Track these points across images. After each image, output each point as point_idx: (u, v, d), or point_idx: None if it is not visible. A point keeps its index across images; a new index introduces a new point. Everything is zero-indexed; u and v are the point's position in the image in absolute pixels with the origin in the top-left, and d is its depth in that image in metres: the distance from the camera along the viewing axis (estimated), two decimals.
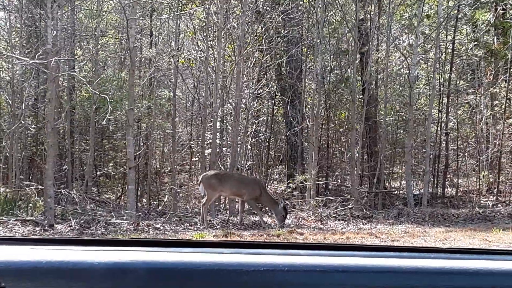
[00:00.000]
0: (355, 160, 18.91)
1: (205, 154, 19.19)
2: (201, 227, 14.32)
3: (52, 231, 13.24)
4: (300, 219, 16.15)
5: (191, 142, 23.73)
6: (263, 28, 19.43)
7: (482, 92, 21.50)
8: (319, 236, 12.65)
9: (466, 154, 22.07)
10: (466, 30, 22.92)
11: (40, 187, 15.83)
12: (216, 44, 18.06)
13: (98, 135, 21.43)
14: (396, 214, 16.83)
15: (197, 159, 22.43)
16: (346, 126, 21.20)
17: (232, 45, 18.86)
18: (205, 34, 18.92)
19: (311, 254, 1.97)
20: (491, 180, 21.11)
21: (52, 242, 2.28)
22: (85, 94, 20.77)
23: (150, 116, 20.44)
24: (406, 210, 17.33)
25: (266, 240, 11.49)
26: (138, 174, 20.53)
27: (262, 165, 23.21)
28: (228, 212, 17.31)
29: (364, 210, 17.16)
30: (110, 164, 22.89)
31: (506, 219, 16.48)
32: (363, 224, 15.49)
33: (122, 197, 20.07)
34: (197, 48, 20.02)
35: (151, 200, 20.46)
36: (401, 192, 21.06)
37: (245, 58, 18.36)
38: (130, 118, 15.38)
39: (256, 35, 19.34)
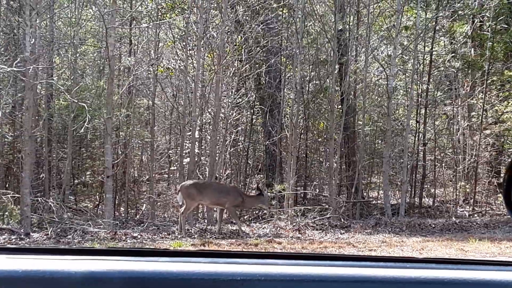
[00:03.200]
0: (334, 170, 18.95)
1: (184, 163, 19.14)
2: (179, 236, 14.26)
3: (28, 239, 13.13)
4: (278, 228, 16.15)
5: (170, 151, 23.68)
6: (243, 38, 19.46)
7: (459, 103, 21.67)
8: (297, 246, 12.66)
9: (443, 164, 22.21)
10: (444, 41, 23.14)
11: (17, 195, 15.71)
12: (196, 53, 18.05)
13: (76, 143, 21.32)
14: (373, 224, 16.89)
15: (175, 168, 22.37)
16: (325, 136, 21.27)
17: (212, 55, 18.87)
18: (184, 43, 18.89)
19: (288, 264, 1.97)
20: (467, 190, 21.26)
21: (28, 251, 2.23)
22: (63, 102, 20.65)
23: (129, 125, 20.37)
24: (384, 219, 17.43)
25: (243, 250, 11.47)
26: (116, 183, 20.42)
27: (241, 174, 23.19)
28: (206, 221, 17.27)
29: (342, 220, 17.21)
30: (88, 173, 22.75)
31: (482, 229, 16.59)
32: (341, 233, 15.51)
33: (100, 206, 19.94)
34: (176, 57, 19.99)
35: (129, 209, 20.34)
36: (379, 202, 21.14)
37: (224, 67, 18.38)
38: (108, 126, 15.31)
39: (235, 45, 19.36)
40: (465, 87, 21.81)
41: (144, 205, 20.38)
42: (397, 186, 21.42)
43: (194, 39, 18.80)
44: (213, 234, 14.78)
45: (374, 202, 21.49)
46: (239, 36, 19.71)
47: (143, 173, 22.81)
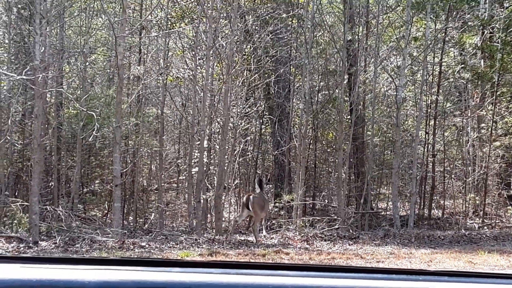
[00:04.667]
0: (342, 181, 18.91)
1: (192, 173, 19.15)
2: (256, 245, 14.65)
3: (36, 248, 13.15)
4: (287, 238, 16.11)
5: (179, 161, 23.70)
6: (251, 48, 19.48)
7: (469, 115, 21.59)
8: (305, 256, 12.61)
9: (452, 176, 22.11)
10: (454, 52, 23.08)
11: (26, 203, 15.74)
12: (205, 62, 18.09)
13: (85, 152, 21.38)
14: (382, 235, 16.83)
15: (184, 177, 22.38)
16: (334, 146, 21.23)
17: (221, 64, 18.90)
18: (193, 53, 18.92)
19: (299, 275, 1.96)
20: (477, 202, 21.15)
21: (42, 260, 2.24)
22: (72, 111, 20.73)
23: (138, 134, 20.40)
24: (392, 231, 17.35)
25: (255, 261, 11.46)
26: (125, 192, 20.46)
27: (250, 184, 23.16)
28: (214, 231, 17.23)
29: (351, 231, 17.14)
30: (97, 181, 22.81)
31: (492, 241, 16.48)
32: (349, 244, 15.45)
33: (108, 215, 19.97)
34: (185, 67, 20.01)
35: (138, 218, 20.36)
36: (387, 213, 21.06)
37: (233, 77, 18.39)
38: (117, 135, 15.32)
39: (244, 54, 19.38)
40: (474, 98, 21.73)
41: (153, 214, 20.40)
42: (406, 197, 21.31)
43: (203, 49, 18.83)
44: (221, 243, 14.75)
45: (383, 213, 21.40)
46: (248, 46, 19.74)
47: (152, 182, 22.83)
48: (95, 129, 13.96)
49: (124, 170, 18.81)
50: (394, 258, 12.57)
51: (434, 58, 21.08)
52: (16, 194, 19.65)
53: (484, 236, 17.39)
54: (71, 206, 18.19)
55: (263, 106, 23.24)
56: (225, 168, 18.39)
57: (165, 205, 21.23)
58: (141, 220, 20.48)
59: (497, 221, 19.98)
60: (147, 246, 13.92)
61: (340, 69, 19.25)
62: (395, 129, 19.58)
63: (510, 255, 13.14)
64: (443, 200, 21.63)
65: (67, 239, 13.95)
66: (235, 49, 18.21)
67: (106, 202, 21.57)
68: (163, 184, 21.60)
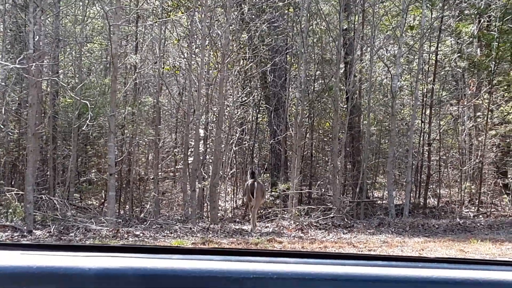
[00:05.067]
0: (338, 170, 18.91)
1: (189, 162, 19.15)
2: (253, 233, 14.67)
3: (30, 236, 13.16)
4: (282, 227, 16.11)
5: (175, 150, 23.70)
6: (247, 36, 19.45)
7: (465, 103, 21.57)
8: (298, 245, 12.62)
9: (448, 164, 22.12)
10: (450, 41, 23.03)
11: (21, 192, 15.74)
12: (200, 51, 18.05)
13: (81, 141, 21.37)
14: (377, 224, 16.82)
15: (181, 166, 22.39)
16: (330, 136, 21.23)
17: (216, 53, 18.88)
18: (189, 42, 18.88)
19: (300, 262, 1.96)
20: (473, 191, 21.18)
21: (42, 247, 2.24)
22: (68, 100, 20.70)
23: (134, 123, 20.40)
24: (387, 220, 17.35)
25: (256, 248, 11.49)
26: (121, 181, 20.49)
27: (246, 174, 23.17)
28: (209, 219, 17.25)
29: (346, 220, 17.13)
30: (93, 171, 22.81)
31: (486, 230, 16.47)
32: (343, 233, 15.44)
33: (105, 204, 19.99)
34: (182, 55, 19.99)
35: (134, 207, 20.39)
36: (383, 202, 21.08)
37: (229, 66, 18.37)
38: (111, 124, 15.30)
39: (240, 43, 19.36)
40: (471, 87, 21.69)
41: (149, 203, 20.42)
42: (402, 186, 21.34)
43: (199, 38, 18.80)
44: (215, 232, 14.76)
45: (379, 202, 21.43)
46: (244, 35, 19.71)
47: (149, 172, 22.85)
48: (89, 118, 13.94)
49: (119, 159, 18.82)
50: (387, 246, 12.58)
51: (430, 47, 21.02)
52: (13, 183, 19.66)
53: (478, 224, 17.39)
54: (67, 195, 18.20)
55: (259, 95, 23.21)
56: (223, 157, 18.41)
57: (161, 194, 21.27)
58: (137, 209, 20.51)
59: (492, 210, 20.02)
60: (141, 235, 13.93)
61: (335, 58, 19.20)
62: (391, 118, 19.55)
63: (503, 243, 13.14)
64: (439, 189, 21.65)
65: (61, 228, 13.95)
66: (230, 37, 18.18)
67: (102, 191, 21.58)
68: (160, 173, 21.63)
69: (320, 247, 12.21)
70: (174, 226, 15.47)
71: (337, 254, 2.59)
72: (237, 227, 15.78)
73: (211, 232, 14.83)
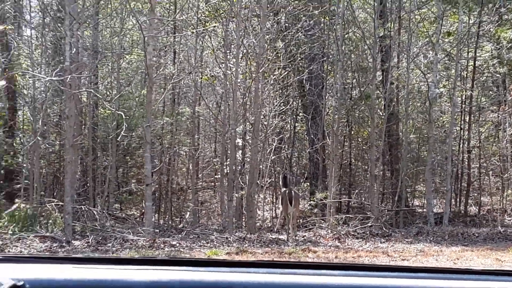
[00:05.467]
0: (376, 178, 18.75)
1: (226, 172, 19.20)
2: (289, 243, 14.66)
3: (68, 247, 13.32)
4: (319, 236, 16.05)
5: (215, 159, 23.77)
6: (282, 45, 19.45)
7: (506, 109, 21.17)
8: (331, 255, 12.56)
9: (490, 172, 21.74)
10: (491, 47, 22.64)
11: (61, 203, 15.95)
12: (235, 61, 18.11)
13: (121, 151, 21.59)
14: (415, 233, 16.61)
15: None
16: (368, 144, 21.06)
17: (250, 62, 18.93)
18: (223, 51, 18.96)
19: (345, 275, 1.99)
20: None
21: (93, 261, 2.36)
22: (108, 112, 20.95)
23: (173, 133, 20.55)
24: (426, 228, 17.10)
25: (301, 261, 11.48)
26: (161, 191, 20.64)
27: (290, 183, 22.94)
28: (247, 229, 17.23)
29: (384, 229, 16.96)
30: (133, 181, 23.02)
31: None
32: (381, 242, 15.30)
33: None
34: (218, 65, 20.08)
35: (174, 217, 20.53)
36: (423, 210, 20.80)
37: (265, 75, 18.39)
38: (147, 135, 15.43)
39: (276, 52, 19.36)
40: (511, 93, 21.30)
41: (188, 213, 20.52)
42: (442, 194, 21.02)
43: (233, 47, 18.87)
44: (251, 242, 14.74)
45: (419, 210, 21.16)
46: (280, 43, 19.71)
47: (188, 182, 22.95)
48: (124, 129, 14.06)
49: (156, 169, 18.96)
50: (422, 256, 12.42)
51: (468, 53, 20.73)
52: (54, 194, 19.91)
53: None
54: (106, 206, 18.39)
55: (296, 104, 23.15)
56: (261, 166, 18.40)
57: (200, 204, 21.34)
58: (177, 219, 20.62)
59: None
60: (177, 244, 13.99)
61: (371, 66, 19.06)
62: (428, 125, 19.32)
63: None
64: (480, 197, 21.26)
65: (99, 238, 14.11)
66: (266, 46, 18.21)
67: (143, 202, 21.73)
68: (200, 183, 21.72)
69: (353, 257, 12.12)
70: (211, 236, 15.51)
71: (370, 266, 2.61)
72: (274, 236, 15.75)
73: (247, 241, 14.82)
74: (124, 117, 14.24)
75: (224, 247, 13.76)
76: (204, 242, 14.64)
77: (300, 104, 23.13)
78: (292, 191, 15.82)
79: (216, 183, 24.14)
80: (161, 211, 21.04)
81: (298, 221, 17.51)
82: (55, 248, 13.22)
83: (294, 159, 24.30)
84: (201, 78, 20.26)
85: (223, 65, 18.64)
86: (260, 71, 17.42)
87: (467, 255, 12.44)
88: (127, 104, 20.11)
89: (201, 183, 23.57)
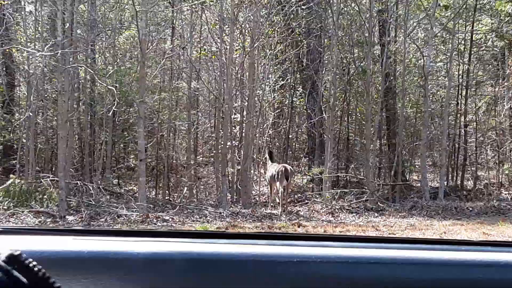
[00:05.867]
0: (372, 152, 18.71)
1: (227, 146, 19.21)
2: (282, 218, 14.75)
3: (62, 222, 13.37)
4: (313, 211, 16.06)
5: (213, 135, 23.76)
6: (280, 18, 19.33)
7: (504, 84, 21.03)
8: (320, 229, 12.58)
9: (487, 146, 21.66)
10: (490, 20, 22.44)
11: (57, 178, 15.99)
12: (229, 36, 18.03)
13: (119, 127, 21.58)
14: (409, 207, 16.60)
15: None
16: (365, 118, 21.01)
17: (245, 37, 18.84)
18: (218, 26, 18.85)
19: (344, 246, 2.02)
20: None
21: (93, 233, 2.42)
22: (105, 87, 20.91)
23: (170, 108, 20.53)
24: (420, 203, 17.05)
25: (300, 233, 11.57)
26: (158, 166, 20.66)
27: (286, 157, 22.96)
28: (241, 203, 17.25)
29: (379, 203, 16.96)
30: (132, 156, 23.05)
31: None
32: (374, 217, 15.31)
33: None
34: (213, 41, 19.99)
35: (170, 192, 20.57)
36: (419, 185, 20.77)
37: (260, 49, 18.29)
38: (140, 110, 15.41)
39: (272, 25, 19.24)
40: (510, 67, 21.15)
41: (185, 188, 20.56)
42: (440, 168, 20.97)
43: (229, 22, 18.76)
44: (244, 217, 14.77)
45: (417, 185, 21.12)
46: (277, 17, 19.58)
47: (186, 157, 22.97)
48: (115, 104, 14.06)
49: (150, 144, 18.99)
50: (411, 230, 12.43)
51: (465, 26, 20.55)
52: (53, 170, 19.94)
53: None
54: (103, 181, 18.43)
55: (293, 78, 23.05)
56: (259, 141, 18.38)
57: (198, 180, 21.35)
58: (175, 194, 20.66)
59: None
60: (170, 219, 14.03)
61: (367, 40, 18.91)
62: (424, 99, 19.22)
63: None
64: (476, 171, 21.19)
65: (93, 213, 14.15)
66: (261, 20, 18.11)
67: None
68: (201, 158, 21.73)
69: (341, 231, 12.13)
70: (205, 211, 15.54)
71: (382, 238, 2.66)
72: (268, 211, 15.77)
73: (240, 216, 14.85)
74: (116, 92, 14.17)
75: (217, 222, 13.80)
76: (197, 217, 14.68)
77: (298, 78, 23.03)
78: (288, 167, 15.85)
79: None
80: (159, 186, 21.09)
81: (291, 196, 17.54)
82: (48, 223, 13.28)
83: (294, 133, 24.26)
84: (199, 53, 20.17)
85: (219, 40, 18.56)
86: (255, 45, 17.33)
87: (455, 228, 12.42)
88: (124, 79, 20.04)
89: (201, 158, 23.60)
